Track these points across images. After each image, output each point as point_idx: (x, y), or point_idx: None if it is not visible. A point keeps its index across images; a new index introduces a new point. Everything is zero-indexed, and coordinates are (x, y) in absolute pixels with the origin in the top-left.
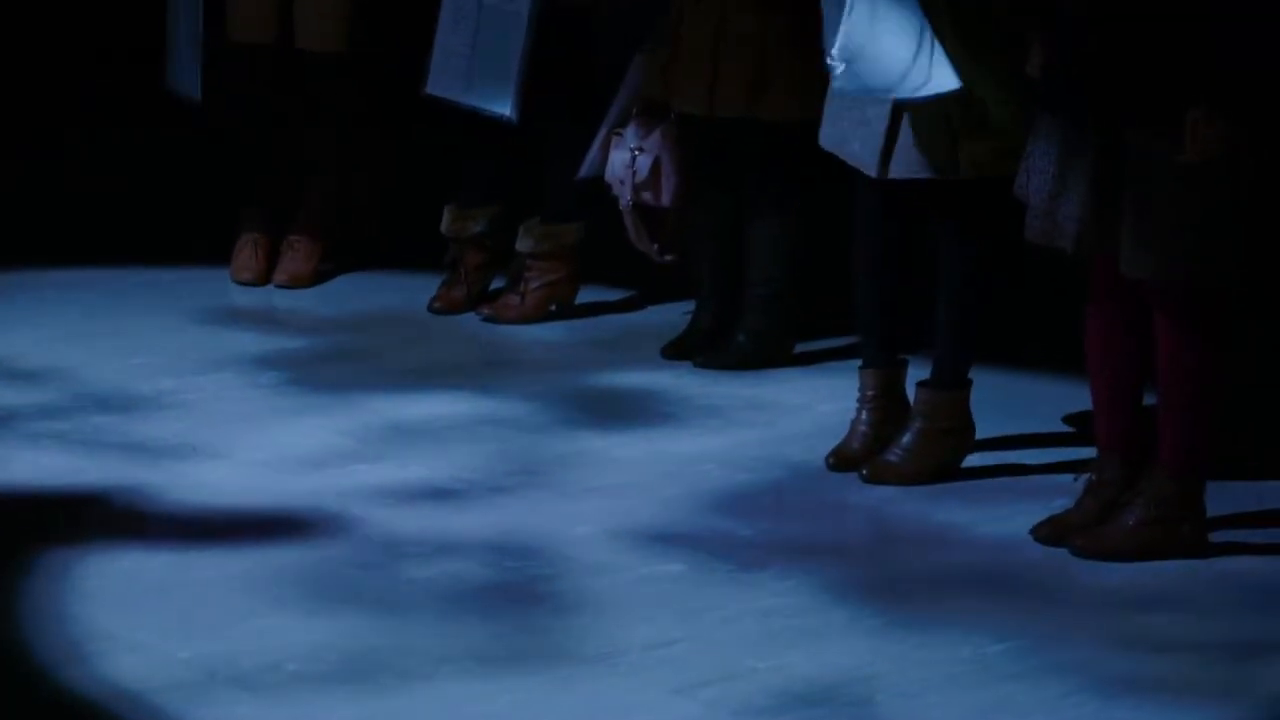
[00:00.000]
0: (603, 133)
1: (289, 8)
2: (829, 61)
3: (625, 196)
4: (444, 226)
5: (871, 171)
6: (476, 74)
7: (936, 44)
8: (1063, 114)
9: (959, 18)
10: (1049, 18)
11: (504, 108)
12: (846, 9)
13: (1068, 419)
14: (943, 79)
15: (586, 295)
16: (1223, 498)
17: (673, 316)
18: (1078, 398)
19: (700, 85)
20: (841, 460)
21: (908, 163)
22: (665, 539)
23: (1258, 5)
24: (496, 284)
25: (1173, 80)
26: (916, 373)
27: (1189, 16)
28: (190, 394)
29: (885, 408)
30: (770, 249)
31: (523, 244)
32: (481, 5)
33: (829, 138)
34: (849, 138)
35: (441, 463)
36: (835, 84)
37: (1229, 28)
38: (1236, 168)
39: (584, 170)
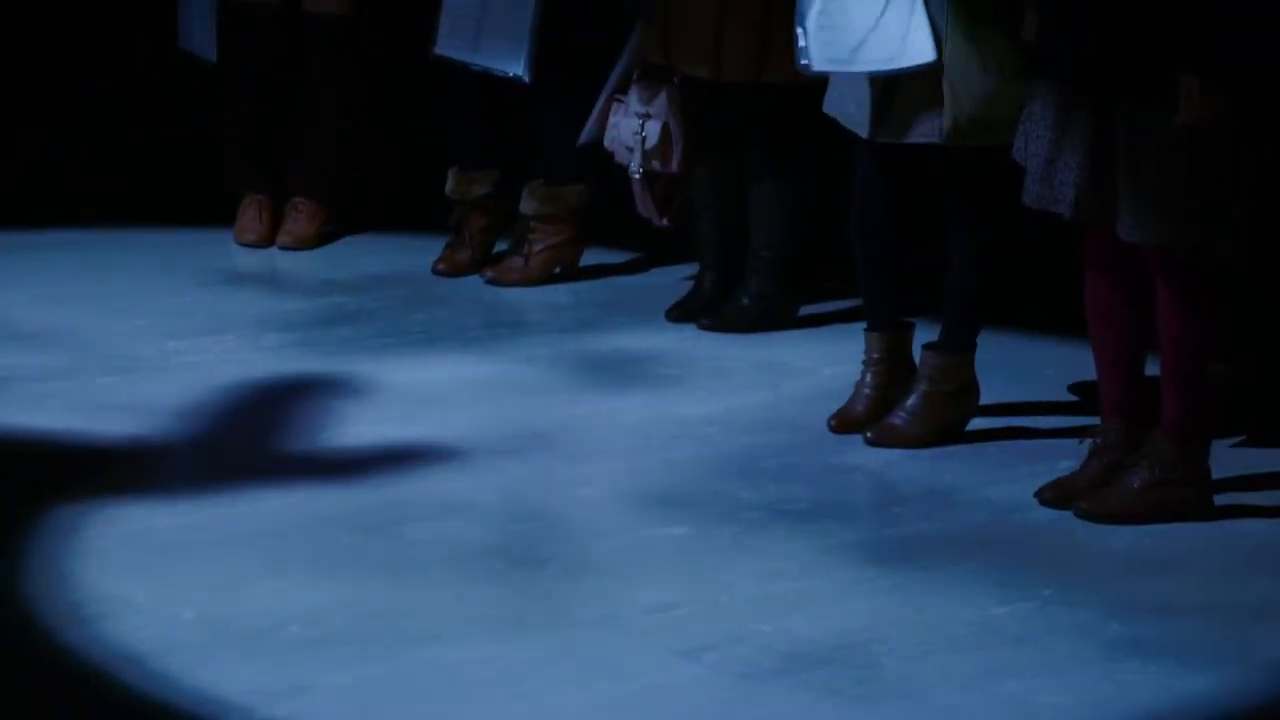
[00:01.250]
0: (603, 98)
1: None
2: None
3: (635, 163)
4: (448, 189)
5: (863, 133)
6: (486, 34)
7: (918, 13)
8: (1058, 80)
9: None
10: None
11: (516, 67)
12: None
13: (1072, 384)
14: (919, 51)
15: (590, 258)
16: (1227, 460)
17: (677, 279)
18: (1082, 361)
19: (705, 49)
20: (845, 423)
21: (899, 126)
22: (669, 502)
23: None
24: (500, 247)
25: (1166, 46)
26: (923, 335)
27: None
28: (193, 355)
29: (889, 371)
30: (774, 212)
31: (526, 206)
32: None
33: (830, 102)
34: (846, 100)
35: (445, 425)
36: (800, 59)
37: None
38: (1231, 133)
39: (584, 136)
